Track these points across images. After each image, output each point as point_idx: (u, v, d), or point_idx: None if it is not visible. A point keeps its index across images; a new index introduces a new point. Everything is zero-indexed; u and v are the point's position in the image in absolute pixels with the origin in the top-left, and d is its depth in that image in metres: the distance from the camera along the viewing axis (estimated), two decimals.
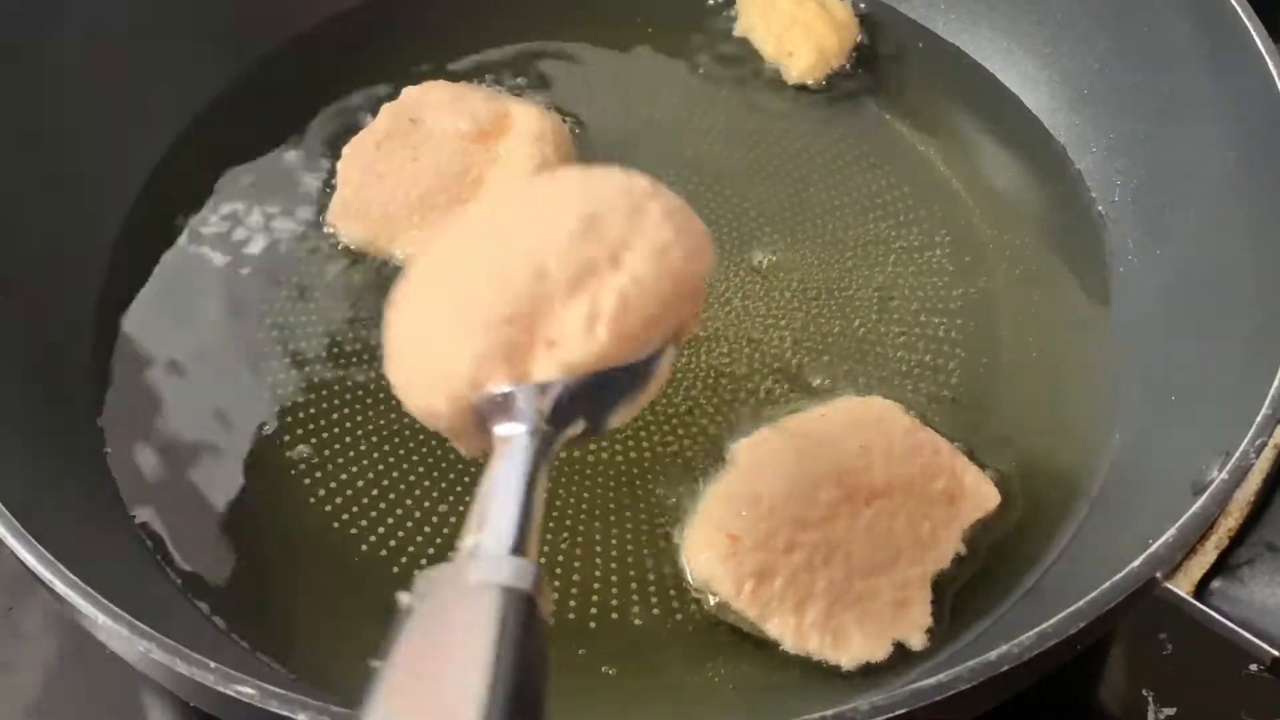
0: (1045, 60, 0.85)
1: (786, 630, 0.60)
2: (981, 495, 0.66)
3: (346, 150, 0.79)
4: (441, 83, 0.82)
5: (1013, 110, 0.84)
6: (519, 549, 0.43)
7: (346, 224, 0.77)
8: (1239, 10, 0.69)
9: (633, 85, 0.87)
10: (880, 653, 0.60)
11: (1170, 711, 0.64)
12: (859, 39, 0.87)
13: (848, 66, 0.86)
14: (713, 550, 0.62)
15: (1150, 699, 0.65)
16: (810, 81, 0.85)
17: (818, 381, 0.71)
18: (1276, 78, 0.67)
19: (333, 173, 0.79)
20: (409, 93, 0.81)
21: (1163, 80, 0.76)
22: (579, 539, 0.65)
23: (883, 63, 0.87)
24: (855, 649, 0.60)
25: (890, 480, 0.64)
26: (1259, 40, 0.68)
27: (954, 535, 0.64)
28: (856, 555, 0.62)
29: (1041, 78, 0.85)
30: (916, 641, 0.61)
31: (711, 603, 0.62)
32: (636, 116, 0.85)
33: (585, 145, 0.82)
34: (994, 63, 0.87)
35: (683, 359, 0.72)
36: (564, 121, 0.82)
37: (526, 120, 0.80)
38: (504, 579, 0.40)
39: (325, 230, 0.77)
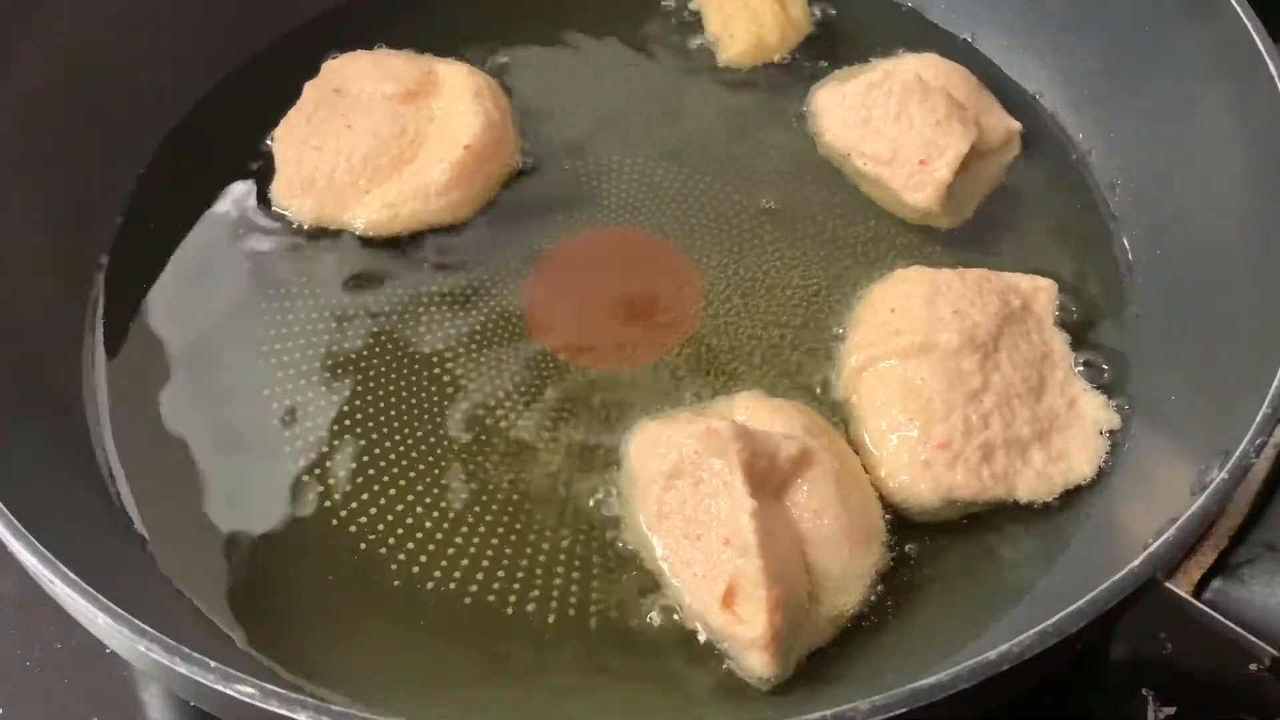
0: (1046, 60, 0.85)
1: (1031, 483, 0.65)
2: (1041, 289, 0.72)
3: (277, 132, 0.78)
4: (359, 51, 0.81)
5: (1015, 107, 0.84)
6: None
7: (295, 201, 0.76)
8: (1239, 11, 0.69)
9: (603, 73, 0.86)
10: (1100, 448, 0.67)
11: (1170, 711, 0.64)
12: (811, 32, 0.87)
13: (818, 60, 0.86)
14: (934, 465, 0.64)
15: (1150, 699, 0.65)
16: (735, 68, 0.85)
17: (821, 380, 0.71)
18: (1277, 78, 0.67)
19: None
20: (329, 65, 0.80)
21: (1163, 81, 0.76)
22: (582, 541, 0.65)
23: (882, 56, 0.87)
24: (1083, 458, 0.67)
25: (992, 320, 0.69)
26: (1259, 41, 0.68)
27: (1053, 332, 0.71)
28: (1023, 392, 0.67)
29: (1042, 77, 0.86)
30: (1114, 420, 0.68)
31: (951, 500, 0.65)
32: (610, 103, 0.84)
33: (549, 130, 0.82)
34: (997, 59, 0.87)
35: (680, 367, 0.72)
36: (503, 90, 0.81)
37: (458, 78, 0.79)
38: None
39: (275, 213, 0.76)
